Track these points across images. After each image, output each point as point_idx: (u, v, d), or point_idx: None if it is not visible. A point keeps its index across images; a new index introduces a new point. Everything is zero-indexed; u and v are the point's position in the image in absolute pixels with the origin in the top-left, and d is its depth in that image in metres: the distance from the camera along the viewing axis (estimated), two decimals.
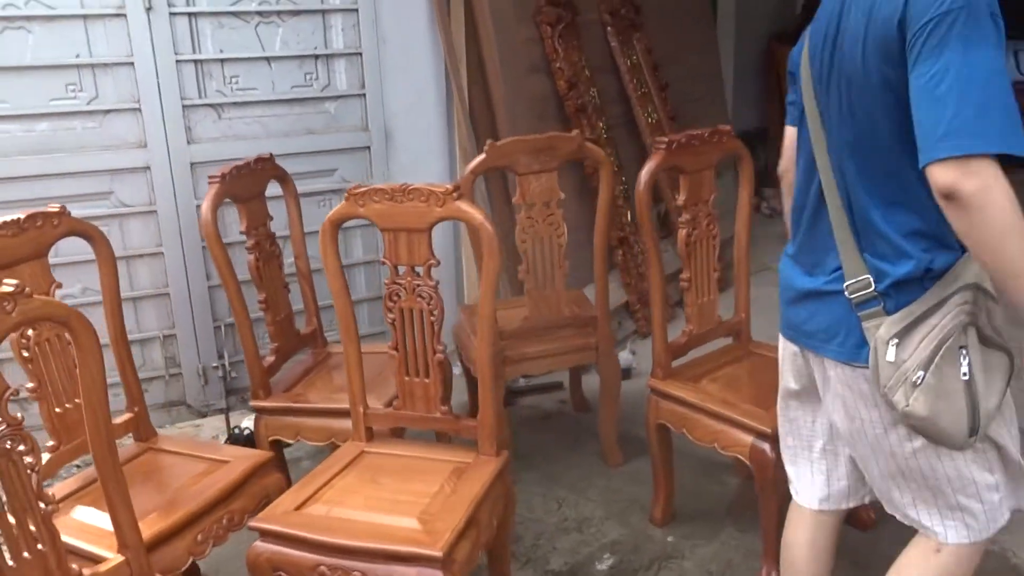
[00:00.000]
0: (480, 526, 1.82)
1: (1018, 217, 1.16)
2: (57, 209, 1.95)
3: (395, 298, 1.96)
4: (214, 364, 3.00)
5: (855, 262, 1.38)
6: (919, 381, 1.29)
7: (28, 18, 2.57)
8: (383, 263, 1.94)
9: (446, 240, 3.35)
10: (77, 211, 2.74)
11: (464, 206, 1.85)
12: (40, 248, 1.92)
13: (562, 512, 2.53)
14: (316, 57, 2.98)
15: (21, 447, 1.41)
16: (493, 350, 1.92)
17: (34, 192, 2.67)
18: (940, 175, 1.16)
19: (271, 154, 2.47)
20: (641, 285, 3.67)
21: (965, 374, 1.30)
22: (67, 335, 1.96)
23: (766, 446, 2.03)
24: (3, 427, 1.39)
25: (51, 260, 2.54)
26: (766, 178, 6.01)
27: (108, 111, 2.72)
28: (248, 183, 2.36)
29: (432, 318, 1.94)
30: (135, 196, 2.80)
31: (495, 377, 2.40)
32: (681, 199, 2.27)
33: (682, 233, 2.28)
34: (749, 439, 2.07)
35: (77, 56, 2.65)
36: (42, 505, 1.45)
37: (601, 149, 2.53)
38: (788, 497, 1.76)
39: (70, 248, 2.64)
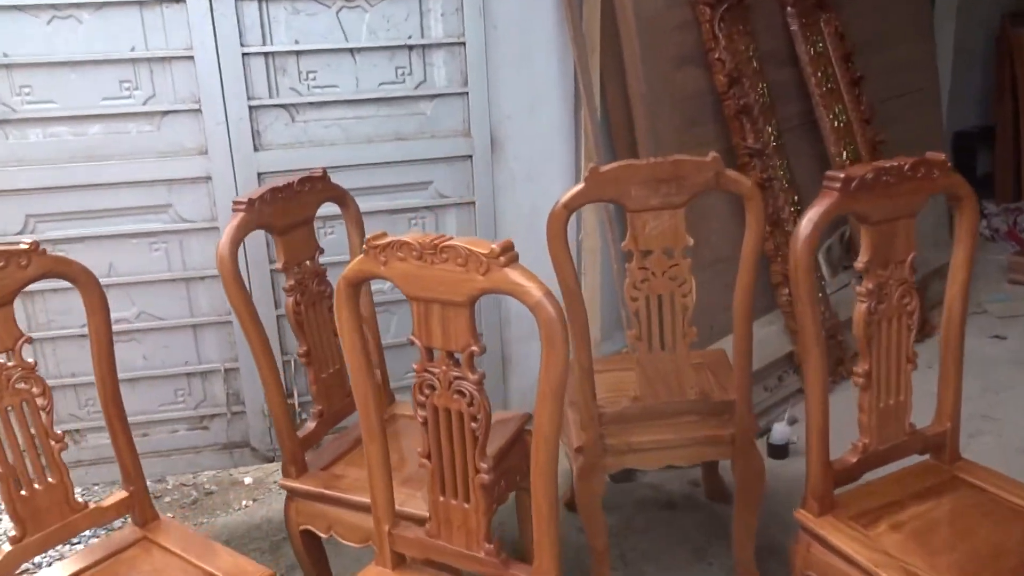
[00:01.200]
0: None
1: None
2: (28, 246, 1.56)
3: (426, 391, 1.41)
4: None
5: None
6: None
7: (78, 5, 2.23)
8: (411, 342, 1.40)
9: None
10: (133, 226, 2.42)
11: (516, 276, 1.26)
12: (3, 295, 1.54)
13: None
14: (410, 48, 2.47)
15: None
16: (554, 476, 1.33)
17: (85, 203, 2.36)
18: None
19: (324, 170, 1.99)
20: None
21: None
22: (34, 401, 1.60)
23: None
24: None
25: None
26: (987, 189, 4.91)
27: (166, 112, 2.35)
28: (288, 209, 1.89)
29: (474, 425, 1.37)
30: (195, 210, 2.42)
31: (585, 503, 1.82)
32: (861, 261, 1.55)
33: (861, 309, 1.56)
34: None
35: (132, 49, 2.29)
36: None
37: (747, 180, 1.83)
38: None
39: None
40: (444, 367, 1.37)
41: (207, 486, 2.87)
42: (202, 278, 2.48)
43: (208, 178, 2.40)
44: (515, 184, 2.69)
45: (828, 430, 1.60)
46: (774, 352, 2.94)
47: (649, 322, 1.85)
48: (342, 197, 2.03)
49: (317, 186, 1.96)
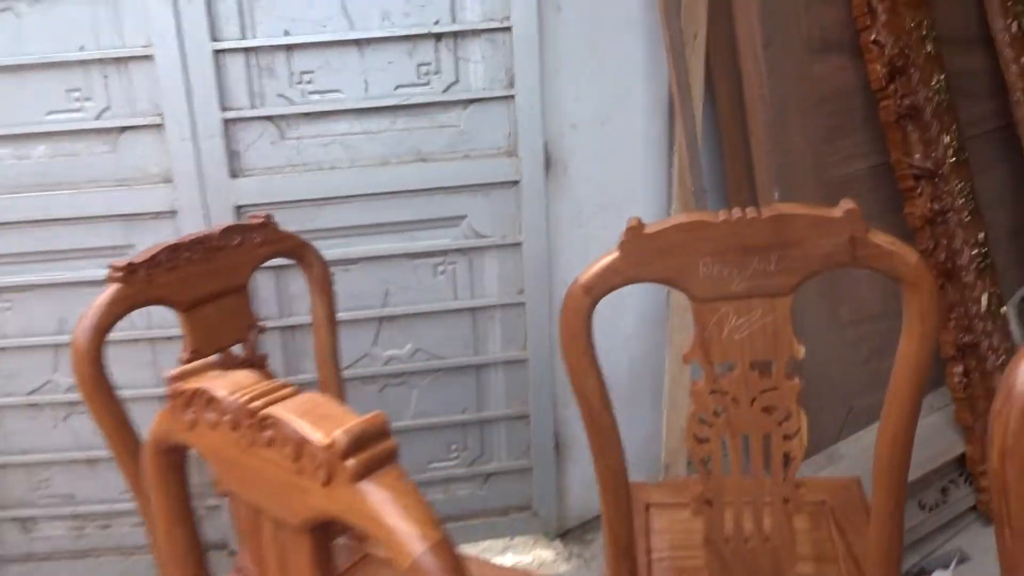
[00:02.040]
0: None
1: None
2: None
3: None
4: None
5: None
6: None
7: None
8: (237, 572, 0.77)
9: (646, 300, 2.06)
10: (91, 272, 1.95)
11: (375, 501, 0.60)
12: None
13: None
14: (437, 37, 1.85)
15: None
16: None
17: (34, 244, 1.90)
18: None
19: (267, 216, 1.40)
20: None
21: None
22: None
23: None
24: None
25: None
26: None
27: (123, 129, 1.85)
28: (203, 273, 1.32)
29: None
30: None
31: None
32: None
33: None
34: None
35: (81, 48, 1.80)
36: None
37: (911, 253, 1.05)
38: None
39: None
40: None
41: None
42: (169, 338, 1.96)
43: (173, 212, 1.88)
44: (581, 218, 2.01)
45: None
46: (938, 452, 2.11)
47: (724, 474, 1.14)
48: (298, 251, 1.44)
49: (254, 238, 1.37)
